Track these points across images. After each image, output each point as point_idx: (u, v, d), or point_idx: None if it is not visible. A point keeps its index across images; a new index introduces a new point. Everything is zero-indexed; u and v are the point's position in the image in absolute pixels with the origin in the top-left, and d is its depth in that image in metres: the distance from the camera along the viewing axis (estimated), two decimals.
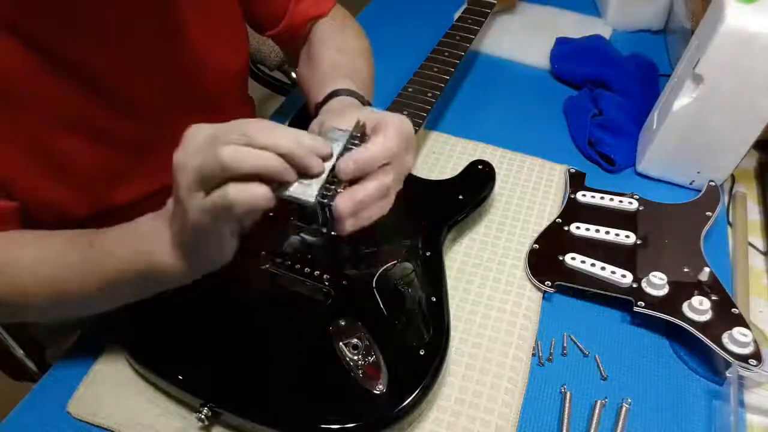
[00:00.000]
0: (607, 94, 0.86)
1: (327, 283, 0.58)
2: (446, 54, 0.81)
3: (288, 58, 0.80)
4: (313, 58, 0.70)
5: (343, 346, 0.53)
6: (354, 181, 0.44)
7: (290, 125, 0.76)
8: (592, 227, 0.68)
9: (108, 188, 0.59)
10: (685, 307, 0.59)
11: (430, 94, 0.74)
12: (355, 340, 0.53)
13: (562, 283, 0.63)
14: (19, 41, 0.48)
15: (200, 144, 0.41)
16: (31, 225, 0.55)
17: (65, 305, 0.53)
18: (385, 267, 0.59)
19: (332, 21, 0.74)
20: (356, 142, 0.46)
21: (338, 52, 0.69)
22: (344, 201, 0.43)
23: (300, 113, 0.78)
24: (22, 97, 0.50)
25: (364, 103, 0.60)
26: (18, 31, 0.47)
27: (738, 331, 0.56)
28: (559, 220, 0.70)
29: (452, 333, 0.57)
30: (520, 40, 1.01)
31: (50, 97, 0.51)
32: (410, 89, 0.75)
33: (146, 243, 0.46)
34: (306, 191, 0.42)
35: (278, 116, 0.89)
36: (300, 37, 0.74)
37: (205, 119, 0.65)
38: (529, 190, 0.75)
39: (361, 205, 0.43)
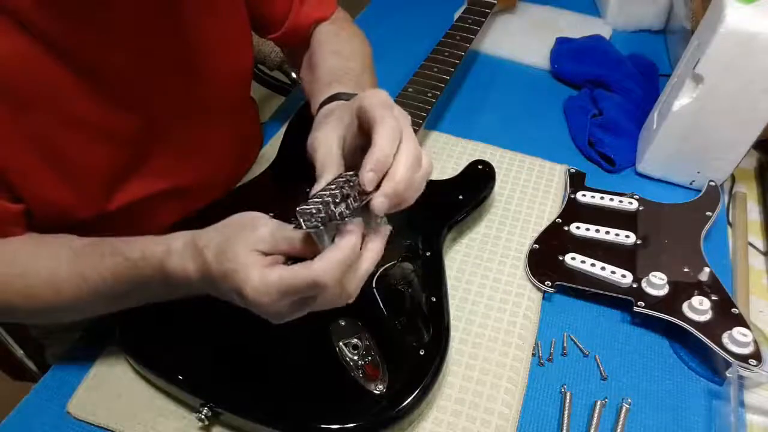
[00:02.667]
0: (607, 94, 0.86)
1: None
2: (446, 54, 0.81)
3: (289, 60, 0.80)
4: (312, 64, 0.70)
5: (343, 346, 0.53)
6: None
7: (290, 125, 0.77)
8: (592, 227, 0.68)
9: (110, 189, 0.59)
10: (685, 307, 0.59)
11: (430, 94, 0.74)
12: (355, 340, 0.53)
13: (562, 283, 0.63)
14: (35, 40, 0.48)
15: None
16: (35, 227, 0.55)
17: (68, 314, 0.55)
18: (385, 267, 0.59)
19: (331, 25, 0.74)
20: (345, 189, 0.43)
21: (332, 55, 0.69)
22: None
23: (300, 113, 0.78)
24: (33, 96, 0.50)
25: (349, 98, 0.59)
26: (35, 30, 0.47)
27: (738, 331, 0.56)
28: (559, 220, 0.70)
29: (452, 333, 0.57)
30: (520, 40, 1.01)
31: (60, 96, 0.51)
32: (410, 89, 0.75)
33: (174, 279, 0.47)
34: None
35: (278, 117, 0.89)
36: (302, 41, 0.74)
37: (208, 121, 0.66)
38: (529, 190, 0.75)
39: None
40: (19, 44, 0.47)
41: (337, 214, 0.40)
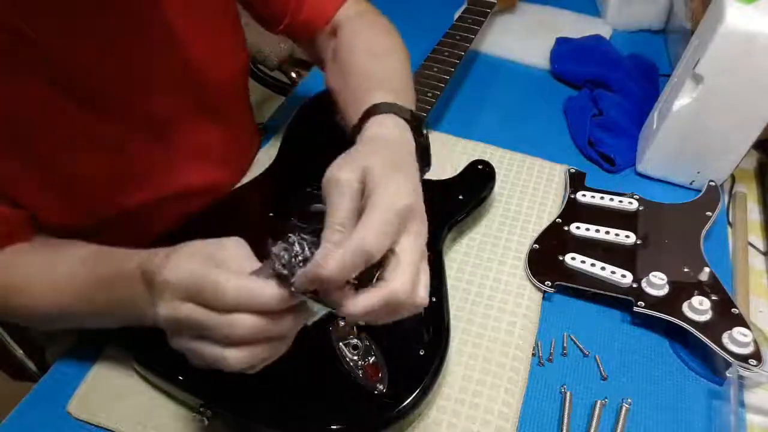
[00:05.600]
0: (607, 94, 0.86)
1: None
2: (446, 54, 0.81)
3: (310, 55, 0.74)
4: (343, 67, 0.63)
5: (343, 347, 0.53)
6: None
7: (290, 126, 0.77)
8: (592, 227, 0.68)
9: (108, 199, 0.59)
10: (685, 307, 0.59)
11: (430, 94, 0.74)
12: (355, 340, 0.53)
13: (562, 283, 0.63)
14: (23, 61, 0.48)
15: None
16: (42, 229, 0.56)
17: (65, 323, 0.56)
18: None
19: (358, 18, 0.67)
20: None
21: (370, 56, 0.62)
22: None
23: (300, 113, 0.78)
24: (25, 118, 0.50)
25: (404, 115, 0.51)
26: (22, 51, 0.47)
27: (738, 331, 0.56)
28: (559, 220, 0.70)
29: (452, 333, 0.57)
30: (520, 40, 1.01)
31: (54, 116, 0.51)
32: None
33: (139, 307, 0.45)
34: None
35: (278, 117, 0.89)
36: (312, 33, 0.69)
37: (205, 124, 0.66)
38: (529, 190, 0.75)
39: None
40: (11, 71, 0.47)
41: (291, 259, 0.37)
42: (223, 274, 0.38)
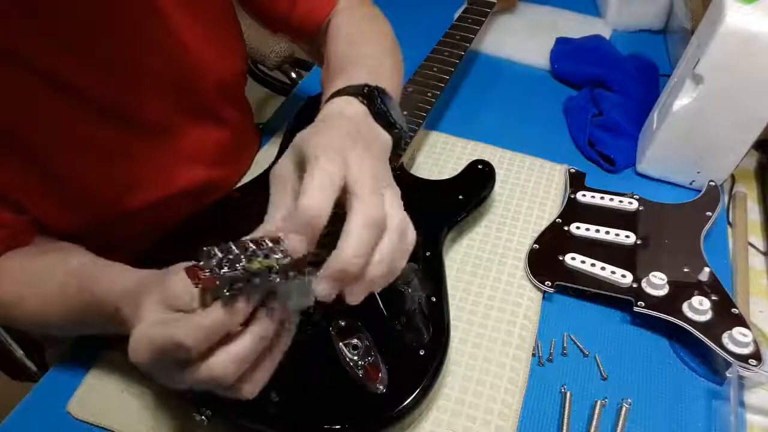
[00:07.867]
0: (607, 94, 0.86)
1: None
2: (446, 54, 0.81)
3: (313, 58, 0.76)
4: (326, 57, 0.65)
5: (343, 346, 0.53)
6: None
7: (290, 126, 0.77)
8: (592, 227, 0.68)
9: (109, 202, 0.59)
10: (685, 307, 0.59)
11: (430, 94, 0.74)
12: (355, 340, 0.53)
13: (562, 283, 0.63)
14: (18, 66, 0.48)
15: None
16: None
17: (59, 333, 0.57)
18: None
19: (344, 11, 0.69)
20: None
21: (343, 42, 0.63)
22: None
23: (300, 113, 0.78)
24: (24, 122, 0.50)
25: (351, 91, 0.51)
26: (17, 57, 0.48)
27: (738, 331, 0.56)
28: (559, 220, 0.70)
29: (452, 333, 0.57)
30: (520, 40, 1.01)
31: (53, 119, 0.51)
32: (410, 89, 0.75)
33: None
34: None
35: (278, 117, 0.89)
36: (312, 34, 0.70)
37: (206, 128, 0.66)
38: (529, 190, 0.75)
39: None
40: (6, 76, 0.48)
41: (240, 272, 0.34)
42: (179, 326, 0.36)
